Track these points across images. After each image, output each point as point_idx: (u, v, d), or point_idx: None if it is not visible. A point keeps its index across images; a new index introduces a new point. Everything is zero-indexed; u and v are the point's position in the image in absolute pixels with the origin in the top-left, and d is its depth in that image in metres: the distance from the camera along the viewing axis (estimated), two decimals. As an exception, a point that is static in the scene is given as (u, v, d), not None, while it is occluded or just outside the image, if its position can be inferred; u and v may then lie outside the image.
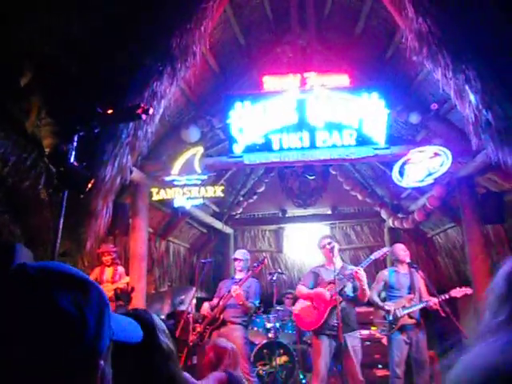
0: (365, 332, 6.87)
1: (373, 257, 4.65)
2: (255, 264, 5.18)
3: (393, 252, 5.24)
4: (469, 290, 4.81)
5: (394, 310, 4.81)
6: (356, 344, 4.47)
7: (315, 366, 4.43)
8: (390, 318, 4.87)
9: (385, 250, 4.80)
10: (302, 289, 4.75)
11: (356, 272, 4.40)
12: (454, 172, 5.92)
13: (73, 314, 0.64)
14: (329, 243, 4.71)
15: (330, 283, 4.58)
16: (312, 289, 4.69)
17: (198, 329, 5.10)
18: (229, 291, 5.01)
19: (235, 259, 5.30)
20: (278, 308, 7.21)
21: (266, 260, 5.39)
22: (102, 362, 0.68)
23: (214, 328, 5.00)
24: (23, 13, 4.64)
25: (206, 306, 5.19)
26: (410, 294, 4.92)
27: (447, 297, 4.78)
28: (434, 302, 4.78)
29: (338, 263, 4.70)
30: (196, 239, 9.60)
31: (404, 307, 4.83)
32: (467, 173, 5.89)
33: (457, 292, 4.79)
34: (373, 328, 6.87)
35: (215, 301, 5.18)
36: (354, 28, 6.43)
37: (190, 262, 9.37)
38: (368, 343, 6.75)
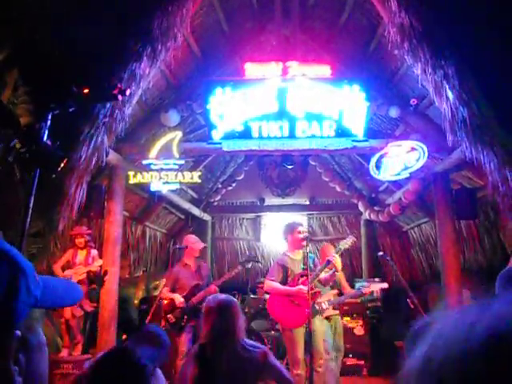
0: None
1: (341, 246, 4.63)
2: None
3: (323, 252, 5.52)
4: (385, 285, 5.20)
5: (321, 302, 4.81)
6: (320, 326, 4.56)
7: (293, 355, 4.40)
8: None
9: (351, 239, 4.73)
10: (274, 285, 4.56)
11: (333, 257, 4.42)
12: (429, 167, 6.01)
13: None
14: (303, 231, 4.66)
15: (301, 276, 4.50)
16: (283, 283, 4.56)
17: (172, 319, 5.13)
18: (196, 284, 5.23)
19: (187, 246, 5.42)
20: (252, 296, 7.30)
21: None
22: (17, 332, 0.68)
23: (193, 318, 5.07)
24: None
25: (177, 296, 5.20)
26: (332, 289, 5.14)
27: (364, 291, 5.16)
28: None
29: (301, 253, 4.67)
30: (173, 225, 9.60)
31: (329, 300, 4.89)
32: (443, 169, 5.99)
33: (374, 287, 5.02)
34: (345, 318, 7.00)
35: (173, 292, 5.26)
36: (338, 19, 6.44)
37: (167, 248, 9.37)
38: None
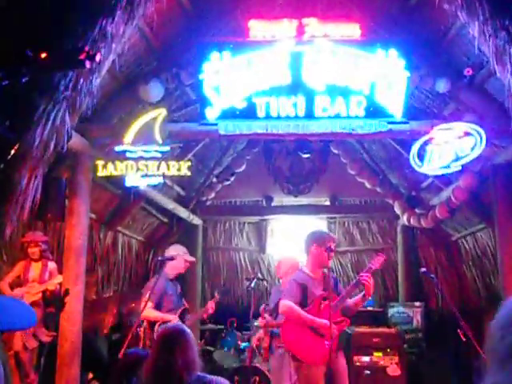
0: (364, 358, 7.05)
1: (373, 266, 4.65)
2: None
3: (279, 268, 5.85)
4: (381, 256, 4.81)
5: None
6: (344, 364, 4.66)
7: None
8: None
9: (381, 258, 4.75)
10: (296, 309, 4.56)
11: (366, 277, 4.46)
12: (488, 158, 6.02)
13: None
14: (334, 246, 4.70)
15: (324, 298, 4.57)
16: (302, 307, 4.62)
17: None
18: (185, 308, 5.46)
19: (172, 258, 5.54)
20: (255, 323, 7.31)
21: None
22: None
23: None
24: None
25: (173, 317, 5.35)
26: None
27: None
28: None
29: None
30: (153, 231, 9.63)
31: None
32: (505, 159, 5.99)
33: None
34: (376, 354, 7.03)
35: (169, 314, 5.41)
36: (370, -37, 6.44)
37: (145, 260, 9.41)
38: (368, 373, 6.93)
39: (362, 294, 4.59)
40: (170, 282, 5.58)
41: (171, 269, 5.57)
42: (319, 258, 4.71)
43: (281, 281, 5.87)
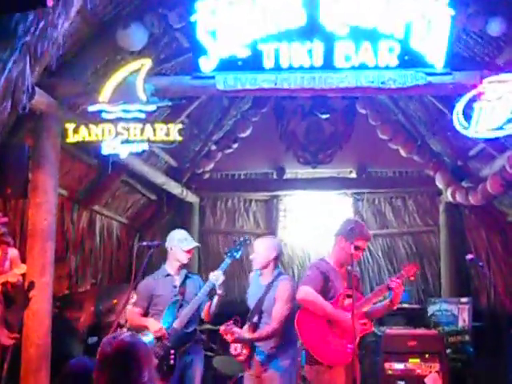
0: (397, 366, 7.00)
1: (405, 274, 4.94)
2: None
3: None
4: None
5: None
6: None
7: None
8: None
9: (414, 267, 5.01)
10: (316, 297, 4.79)
11: (397, 283, 4.73)
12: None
13: None
14: (364, 244, 4.96)
15: (347, 296, 4.78)
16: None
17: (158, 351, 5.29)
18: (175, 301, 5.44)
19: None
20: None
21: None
22: None
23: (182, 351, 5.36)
24: None
25: (151, 321, 5.36)
26: None
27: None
28: None
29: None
30: (138, 211, 9.71)
31: None
32: None
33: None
34: (412, 360, 6.99)
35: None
36: None
37: (128, 247, 9.49)
38: (402, 383, 6.89)
39: (389, 300, 4.85)
40: (165, 277, 5.56)
41: (169, 261, 5.60)
42: (342, 253, 4.92)
43: (258, 275, 5.70)
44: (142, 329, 5.31)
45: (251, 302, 5.51)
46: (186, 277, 5.60)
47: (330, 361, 4.69)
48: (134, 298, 5.44)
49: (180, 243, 5.60)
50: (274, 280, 5.31)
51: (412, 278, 5.05)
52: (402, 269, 4.99)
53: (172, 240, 5.62)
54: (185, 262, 5.63)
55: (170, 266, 5.57)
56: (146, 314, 5.42)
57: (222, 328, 5.26)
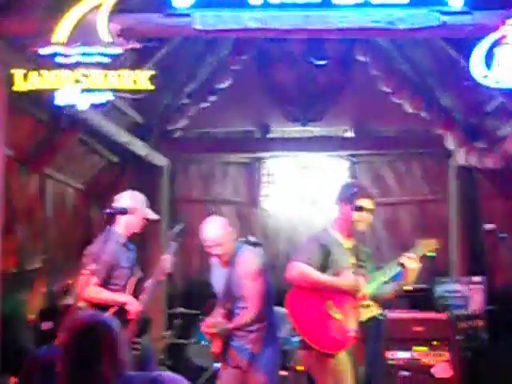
0: (401, 354, 7.17)
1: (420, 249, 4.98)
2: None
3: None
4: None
5: None
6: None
7: None
8: None
9: (433, 243, 5.06)
10: (310, 271, 4.85)
11: (406, 259, 4.79)
12: None
13: None
14: (367, 203, 4.99)
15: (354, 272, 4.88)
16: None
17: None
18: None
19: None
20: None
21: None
22: None
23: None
24: None
25: (129, 298, 5.48)
26: None
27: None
28: None
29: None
30: (97, 175, 9.70)
31: None
32: None
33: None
34: (417, 348, 7.15)
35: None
36: None
37: (86, 216, 9.49)
38: (406, 374, 7.04)
39: (399, 280, 4.93)
40: (122, 246, 5.62)
41: (124, 227, 5.60)
42: (346, 221, 5.02)
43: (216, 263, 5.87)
44: (107, 303, 5.36)
45: (218, 288, 5.63)
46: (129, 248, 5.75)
47: (329, 348, 4.73)
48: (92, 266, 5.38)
49: (143, 208, 5.67)
50: (234, 256, 5.46)
51: (427, 253, 4.99)
52: (418, 244, 5.01)
53: (136, 202, 5.67)
54: (138, 230, 5.71)
55: (124, 233, 5.64)
56: (105, 286, 5.42)
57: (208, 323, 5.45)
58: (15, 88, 5.92)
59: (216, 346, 5.47)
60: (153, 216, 5.81)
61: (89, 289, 5.08)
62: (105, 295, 5.37)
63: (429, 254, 5.01)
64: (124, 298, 5.41)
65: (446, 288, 8.83)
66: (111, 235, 5.43)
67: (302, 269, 4.85)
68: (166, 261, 5.63)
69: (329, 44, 8.28)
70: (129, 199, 5.65)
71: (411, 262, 4.78)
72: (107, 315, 2.97)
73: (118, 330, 2.79)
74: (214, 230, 5.57)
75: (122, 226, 5.60)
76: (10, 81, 5.93)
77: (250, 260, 5.39)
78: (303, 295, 4.87)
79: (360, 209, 4.89)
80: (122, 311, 5.36)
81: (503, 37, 5.65)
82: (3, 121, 6.18)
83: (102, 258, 5.18)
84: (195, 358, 7.53)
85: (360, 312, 4.74)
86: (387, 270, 4.94)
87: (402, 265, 4.81)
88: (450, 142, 9.11)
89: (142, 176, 9.71)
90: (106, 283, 5.42)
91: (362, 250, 5.11)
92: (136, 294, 5.51)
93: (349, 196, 4.94)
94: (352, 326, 4.70)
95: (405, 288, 5.11)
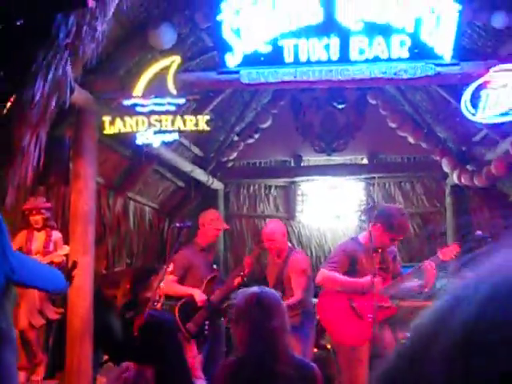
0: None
1: (441, 256, 4.82)
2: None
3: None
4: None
5: None
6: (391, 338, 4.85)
7: (353, 376, 4.67)
8: None
9: (454, 249, 4.88)
10: (335, 276, 4.77)
11: (431, 266, 4.69)
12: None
13: None
14: (406, 232, 4.98)
15: (375, 275, 4.73)
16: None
17: (193, 328, 5.43)
18: (214, 276, 5.71)
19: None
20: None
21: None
22: None
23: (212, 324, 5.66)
24: None
25: (196, 291, 5.55)
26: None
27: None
28: None
29: None
30: (168, 197, 9.71)
31: None
32: None
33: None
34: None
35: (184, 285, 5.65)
36: None
37: (160, 229, 9.51)
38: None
39: (421, 283, 4.76)
40: (199, 252, 5.70)
41: (201, 238, 5.71)
42: (378, 240, 4.84)
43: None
44: (183, 297, 5.46)
45: (271, 280, 5.62)
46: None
47: (350, 342, 4.69)
48: (170, 267, 5.52)
49: (213, 222, 5.76)
50: (287, 255, 5.46)
51: (448, 260, 4.83)
52: (439, 251, 4.87)
53: (204, 219, 5.77)
54: (214, 240, 5.79)
55: (200, 243, 5.73)
56: (181, 284, 5.57)
57: None
58: (105, 132, 6.02)
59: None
60: (222, 227, 5.92)
61: (167, 284, 5.23)
62: (178, 289, 5.50)
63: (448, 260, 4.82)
64: (192, 291, 5.48)
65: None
66: (191, 244, 5.81)
67: (326, 274, 4.82)
68: (246, 265, 5.72)
69: (347, 91, 8.26)
70: (200, 217, 5.78)
71: (432, 269, 4.66)
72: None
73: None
74: (276, 227, 5.67)
75: (200, 237, 5.86)
76: (100, 126, 6.01)
77: (300, 260, 5.36)
78: (331, 299, 4.83)
79: (394, 240, 4.83)
80: (191, 301, 5.47)
81: (487, 82, 5.61)
82: (96, 156, 6.21)
83: (177, 261, 5.47)
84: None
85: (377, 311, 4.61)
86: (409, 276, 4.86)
87: (424, 270, 4.68)
88: (446, 166, 9.00)
89: (203, 197, 9.75)
90: (182, 280, 5.63)
91: (387, 254, 4.98)
92: (210, 288, 5.62)
93: (390, 226, 4.77)
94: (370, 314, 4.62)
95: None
